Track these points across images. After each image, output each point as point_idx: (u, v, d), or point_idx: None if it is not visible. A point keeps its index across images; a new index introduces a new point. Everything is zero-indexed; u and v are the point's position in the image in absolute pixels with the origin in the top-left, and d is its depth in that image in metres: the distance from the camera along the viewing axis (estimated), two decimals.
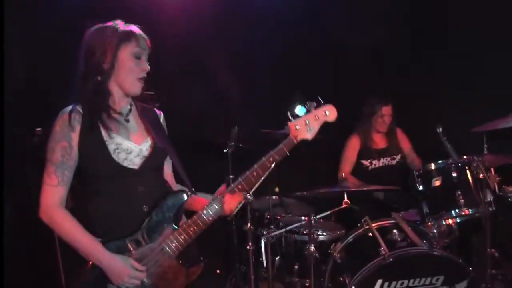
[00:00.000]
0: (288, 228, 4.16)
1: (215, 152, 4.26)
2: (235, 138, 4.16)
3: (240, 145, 4.18)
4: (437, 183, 4.13)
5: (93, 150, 2.61)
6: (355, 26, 5.52)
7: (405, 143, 5.45)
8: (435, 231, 4.08)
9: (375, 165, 5.29)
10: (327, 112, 2.85)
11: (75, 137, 2.60)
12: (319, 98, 2.86)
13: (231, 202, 2.75)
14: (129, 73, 2.66)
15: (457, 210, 4.06)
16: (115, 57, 2.62)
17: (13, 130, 3.88)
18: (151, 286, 2.63)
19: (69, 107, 2.64)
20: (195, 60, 5.14)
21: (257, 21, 5.36)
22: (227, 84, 5.27)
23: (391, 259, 3.64)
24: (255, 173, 2.75)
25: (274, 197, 4.47)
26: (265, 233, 4.20)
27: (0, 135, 3.72)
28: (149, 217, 2.65)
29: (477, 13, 5.21)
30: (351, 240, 4.04)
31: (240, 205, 2.90)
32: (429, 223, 4.12)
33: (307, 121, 2.81)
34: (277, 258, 4.43)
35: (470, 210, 4.04)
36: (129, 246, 2.60)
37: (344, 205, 4.07)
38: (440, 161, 4.19)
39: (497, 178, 3.98)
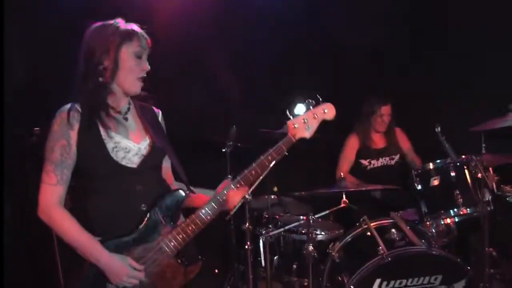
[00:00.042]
0: (286, 227, 4.16)
1: (213, 151, 4.27)
2: (233, 138, 4.17)
3: (239, 144, 4.20)
4: (436, 182, 4.12)
5: (92, 149, 2.61)
6: (355, 26, 5.52)
7: (404, 142, 5.45)
8: (433, 230, 4.08)
9: (373, 165, 5.30)
10: (325, 110, 2.87)
11: (73, 135, 2.60)
12: (318, 96, 2.88)
13: (235, 197, 2.78)
14: (129, 73, 2.66)
15: (455, 210, 4.05)
16: (117, 56, 2.62)
17: (13, 130, 3.88)
18: (149, 285, 2.63)
19: (68, 106, 2.64)
20: (195, 60, 5.15)
21: (257, 21, 5.36)
22: (227, 84, 5.28)
23: (389, 259, 3.64)
24: (253, 172, 2.77)
25: (272, 197, 4.48)
26: (263, 232, 4.19)
27: (0, 135, 3.72)
28: (148, 216, 2.65)
29: (477, 13, 5.21)
30: (349, 239, 4.05)
31: (239, 204, 2.92)
32: (428, 223, 4.11)
33: (305, 120, 2.83)
34: (275, 257, 4.44)
35: (468, 209, 4.03)
36: (128, 245, 2.60)
37: (342, 205, 4.08)
38: (438, 161, 4.18)
39: (495, 178, 3.97)
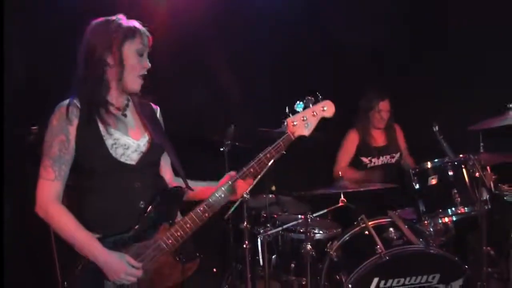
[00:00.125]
0: (284, 226, 4.17)
1: (212, 150, 4.28)
2: (231, 137, 4.19)
3: (237, 143, 4.21)
4: (434, 181, 4.13)
5: (91, 145, 2.62)
6: (355, 26, 5.51)
7: (402, 141, 5.45)
8: (431, 229, 4.09)
9: (374, 163, 5.28)
10: (325, 108, 2.87)
11: (72, 131, 2.60)
12: (317, 93, 2.89)
13: (242, 187, 2.80)
14: (131, 70, 2.67)
15: (453, 209, 4.06)
16: (119, 52, 2.62)
17: (13, 130, 3.87)
18: (147, 282, 2.64)
19: (66, 101, 2.64)
20: (195, 60, 5.14)
21: (257, 21, 5.35)
22: (227, 84, 5.28)
23: (387, 258, 3.65)
24: (252, 170, 2.79)
25: (270, 196, 4.47)
26: (261, 231, 4.20)
27: (0, 135, 3.73)
28: (146, 213, 2.66)
29: (477, 13, 5.21)
30: (347, 238, 4.05)
31: (238, 203, 2.94)
32: (426, 222, 4.12)
33: (304, 117, 2.84)
34: (273, 256, 4.44)
35: (466, 208, 4.05)
36: (126, 242, 2.61)
37: (340, 204, 4.08)
38: (436, 160, 4.19)
39: (493, 177, 3.99)
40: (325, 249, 4.09)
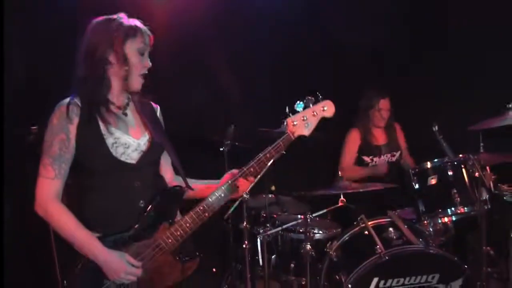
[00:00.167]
0: (284, 226, 4.17)
1: (212, 150, 4.29)
2: (231, 137, 4.19)
3: (236, 143, 4.21)
4: (433, 181, 4.12)
5: (91, 144, 2.61)
6: (355, 26, 5.51)
7: (402, 140, 5.46)
8: (431, 229, 4.08)
9: (375, 162, 5.28)
10: (325, 108, 2.88)
11: (73, 129, 2.59)
12: (318, 93, 2.89)
13: (243, 186, 2.81)
14: (132, 69, 2.67)
15: (453, 209, 4.06)
16: (121, 51, 2.62)
17: (13, 130, 3.86)
18: (146, 281, 2.64)
19: (67, 99, 2.64)
20: (195, 60, 5.14)
21: (257, 21, 5.35)
22: (227, 84, 5.28)
23: (387, 257, 3.64)
24: (252, 169, 2.80)
25: (270, 196, 4.47)
26: (261, 231, 4.20)
27: (0, 135, 3.73)
28: (146, 212, 2.67)
29: (477, 13, 5.21)
30: (347, 238, 4.05)
31: (237, 203, 2.95)
32: (425, 221, 4.11)
33: (304, 117, 2.84)
34: (273, 256, 4.43)
35: (465, 208, 4.05)
36: (125, 241, 2.62)
37: (340, 204, 4.08)
38: (436, 160, 4.19)
39: (493, 177, 3.98)
40: (325, 249, 4.09)
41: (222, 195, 2.76)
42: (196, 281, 2.90)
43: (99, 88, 2.66)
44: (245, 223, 3.86)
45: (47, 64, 4.25)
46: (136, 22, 2.70)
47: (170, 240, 2.67)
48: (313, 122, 2.88)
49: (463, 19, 5.33)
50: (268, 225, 4.32)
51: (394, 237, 3.88)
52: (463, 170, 4.10)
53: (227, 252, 4.47)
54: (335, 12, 5.61)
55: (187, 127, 4.83)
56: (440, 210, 4.11)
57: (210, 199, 2.74)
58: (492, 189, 4.00)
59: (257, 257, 4.31)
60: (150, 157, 2.76)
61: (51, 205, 2.57)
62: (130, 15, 2.74)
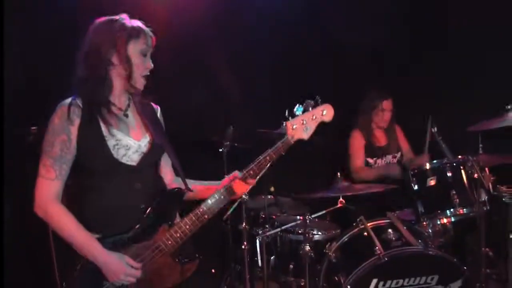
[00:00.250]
0: (283, 227, 4.16)
1: (211, 151, 4.29)
2: (230, 138, 4.19)
3: (236, 144, 4.21)
4: (432, 182, 4.11)
5: (92, 145, 2.61)
6: (355, 26, 5.50)
7: (403, 142, 5.45)
8: (430, 230, 4.08)
9: (378, 164, 5.28)
10: (324, 112, 2.87)
11: (74, 130, 2.59)
12: (317, 97, 2.89)
13: (242, 187, 2.82)
14: (135, 70, 2.66)
15: (452, 210, 4.05)
16: (124, 52, 2.61)
17: (13, 130, 3.86)
18: (146, 282, 2.65)
19: (68, 100, 2.63)
20: (195, 59, 5.14)
21: (257, 21, 5.34)
22: (227, 84, 5.28)
23: (386, 259, 3.64)
24: (251, 172, 2.80)
25: (269, 197, 4.48)
26: (260, 232, 4.20)
27: (0, 135, 3.73)
28: (145, 214, 2.67)
29: (477, 13, 5.21)
30: (346, 239, 4.04)
31: (236, 204, 2.95)
32: (424, 223, 4.11)
33: (304, 121, 2.84)
34: (272, 257, 4.43)
35: (464, 209, 4.04)
36: (125, 243, 2.62)
37: (339, 205, 4.08)
38: (435, 161, 4.19)
39: (492, 178, 3.98)
40: (324, 250, 4.08)
41: (222, 197, 2.77)
42: (195, 282, 2.90)
43: (100, 89, 2.65)
44: (244, 224, 3.87)
45: (47, 64, 4.24)
46: (139, 23, 2.70)
47: (169, 242, 2.67)
48: (312, 126, 2.87)
49: (463, 19, 5.33)
50: (267, 226, 4.31)
51: (393, 238, 3.88)
52: (462, 171, 4.10)
53: (226, 253, 4.47)
54: (335, 12, 5.61)
55: (187, 128, 4.82)
56: (439, 211, 4.10)
57: (210, 201, 2.74)
58: (491, 190, 3.98)
59: (256, 258, 4.30)
60: (150, 159, 2.76)
61: (51, 206, 2.57)
62: (130, 15, 2.74)
